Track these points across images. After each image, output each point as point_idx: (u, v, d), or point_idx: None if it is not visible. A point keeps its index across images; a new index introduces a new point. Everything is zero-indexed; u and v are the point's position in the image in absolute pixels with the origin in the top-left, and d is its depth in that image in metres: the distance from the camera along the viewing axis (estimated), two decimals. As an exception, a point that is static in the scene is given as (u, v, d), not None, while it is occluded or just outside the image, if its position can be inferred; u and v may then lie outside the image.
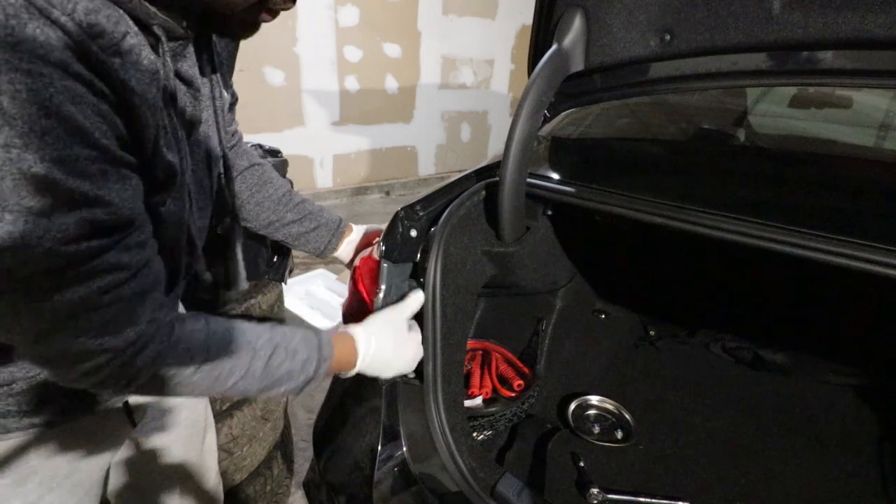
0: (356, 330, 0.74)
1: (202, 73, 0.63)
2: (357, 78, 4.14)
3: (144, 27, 0.48)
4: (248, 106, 3.57)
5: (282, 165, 2.10)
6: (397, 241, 0.85)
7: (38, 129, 0.38)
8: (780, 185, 1.05)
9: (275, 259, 1.41)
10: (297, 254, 3.32)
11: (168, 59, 0.51)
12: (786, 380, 1.39)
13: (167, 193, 0.54)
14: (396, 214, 0.86)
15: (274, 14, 0.56)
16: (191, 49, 0.58)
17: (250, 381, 0.59)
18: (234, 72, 0.79)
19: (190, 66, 0.58)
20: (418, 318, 0.85)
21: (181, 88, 0.57)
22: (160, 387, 0.54)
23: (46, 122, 0.39)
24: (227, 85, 0.76)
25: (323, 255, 0.98)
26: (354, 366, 0.72)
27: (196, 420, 0.96)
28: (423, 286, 0.84)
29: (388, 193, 4.78)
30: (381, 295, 0.83)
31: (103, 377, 0.50)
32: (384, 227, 0.91)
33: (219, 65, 0.69)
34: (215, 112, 0.68)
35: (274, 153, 2.15)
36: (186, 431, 0.94)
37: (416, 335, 0.81)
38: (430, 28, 4.40)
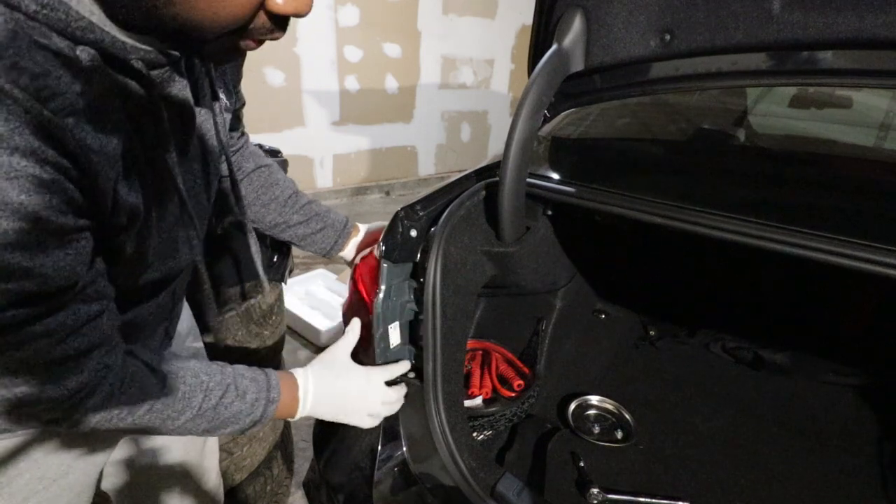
0: (298, 371, 0.71)
1: (198, 87, 0.61)
2: (357, 78, 4.13)
3: (123, 63, 0.46)
4: (249, 106, 3.54)
5: (282, 165, 2.10)
6: (397, 241, 0.85)
7: None
8: (780, 185, 1.05)
9: (275, 259, 1.41)
10: (297, 253, 3.32)
11: (153, 90, 0.49)
12: (786, 380, 1.39)
13: (132, 232, 0.53)
14: (396, 214, 0.86)
15: (259, 42, 0.51)
16: (181, 69, 0.56)
17: (199, 421, 0.59)
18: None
19: (180, 88, 0.56)
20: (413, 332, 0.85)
21: (173, 113, 0.55)
22: (112, 426, 0.54)
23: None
24: (233, 92, 0.76)
25: (329, 256, 0.99)
26: (297, 410, 0.69)
27: (193, 442, 0.95)
28: (422, 286, 0.84)
29: (388, 193, 4.77)
30: (380, 295, 0.83)
31: (49, 419, 0.51)
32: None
33: (220, 73, 0.68)
34: (215, 123, 0.66)
35: (274, 153, 2.15)
36: (183, 454, 0.93)
37: (364, 372, 0.77)
38: (430, 28, 4.40)
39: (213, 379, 0.60)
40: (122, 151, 0.47)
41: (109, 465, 0.86)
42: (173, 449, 0.91)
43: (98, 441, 0.74)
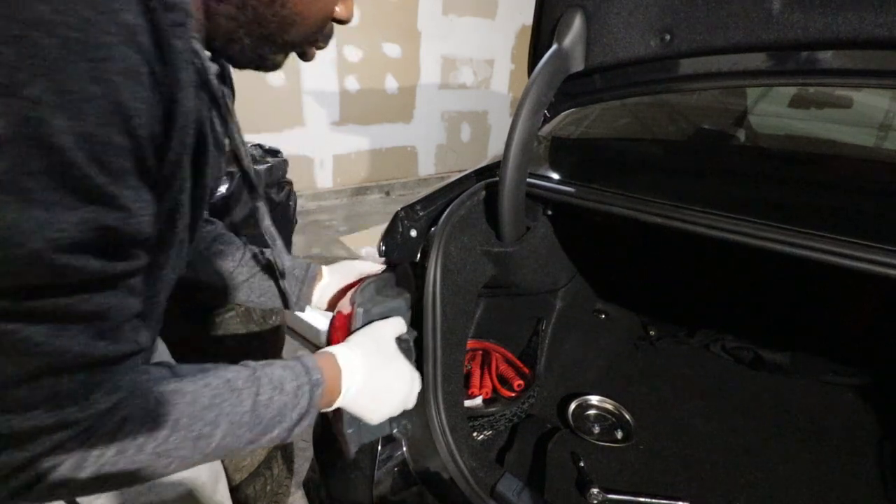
0: (337, 348, 0.60)
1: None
2: (357, 78, 4.13)
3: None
4: (248, 106, 3.57)
5: (282, 165, 2.11)
6: (397, 241, 0.85)
7: (80, 92, 0.30)
8: (780, 185, 1.05)
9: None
10: (297, 253, 3.31)
11: (210, 68, 0.46)
12: (786, 380, 1.39)
13: (174, 215, 0.44)
14: (396, 214, 0.86)
15: (315, 51, 0.57)
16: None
17: (238, 430, 0.47)
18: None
19: (228, 95, 0.54)
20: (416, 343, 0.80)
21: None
22: (127, 464, 0.40)
23: (93, 87, 0.30)
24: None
25: (298, 308, 0.83)
26: (338, 394, 0.57)
27: (201, 475, 0.83)
28: (423, 286, 0.84)
29: (388, 193, 4.77)
30: None
31: (41, 469, 0.35)
32: (359, 266, 0.84)
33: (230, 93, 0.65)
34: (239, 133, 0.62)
35: (274, 153, 2.16)
36: (192, 488, 0.81)
37: (407, 362, 0.67)
38: (430, 28, 4.40)
39: (240, 375, 0.48)
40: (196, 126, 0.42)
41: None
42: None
43: None
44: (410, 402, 0.66)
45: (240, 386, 0.48)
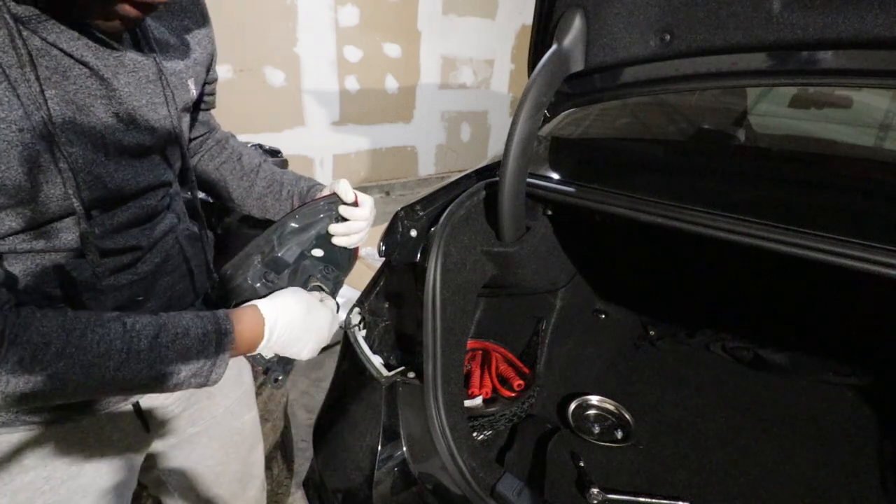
0: (259, 301, 0.65)
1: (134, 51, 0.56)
2: (357, 78, 4.13)
3: None
4: (248, 106, 3.57)
5: (282, 165, 2.11)
6: (397, 241, 0.85)
7: None
8: (780, 185, 1.05)
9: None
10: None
11: (6, 15, 0.44)
12: (786, 380, 1.39)
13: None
14: (396, 214, 0.86)
15: (138, 8, 0.47)
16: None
17: (137, 366, 0.51)
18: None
19: (70, 38, 0.49)
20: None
21: (48, 58, 0.48)
22: (24, 382, 0.46)
23: None
24: (195, 79, 0.68)
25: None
26: (262, 339, 0.63)
27: (241, 431, 0.93)
28: (423, 286, 0.84)
29: (388, 193, 4.77)
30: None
31: None
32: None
33: (167, 48, 0.62)
34: (167, 101, 0.61)
35: (274, 153, 2.16)
36: (227, 442, 0.90)
37: (328, 305, 0.73)
38: (430, 28, 4.40)
39: (139, 321, 0.53)
40: None
41: (148, 475, 0.85)
42: (212, 459, 0.89)
43: (113, 442, 0.71)
44: (323, 341, 0.72)
45: (137, 329, 0.52)
